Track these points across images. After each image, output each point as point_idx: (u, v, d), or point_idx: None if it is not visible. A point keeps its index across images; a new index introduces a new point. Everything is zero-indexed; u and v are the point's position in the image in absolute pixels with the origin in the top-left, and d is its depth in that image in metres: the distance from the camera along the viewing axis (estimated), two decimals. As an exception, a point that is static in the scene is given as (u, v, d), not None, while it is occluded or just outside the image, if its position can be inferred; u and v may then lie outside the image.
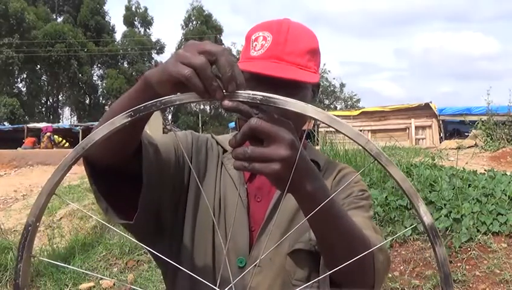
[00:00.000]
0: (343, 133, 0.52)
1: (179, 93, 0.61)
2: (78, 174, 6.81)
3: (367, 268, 0.81)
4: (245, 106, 0.62)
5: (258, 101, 0.57)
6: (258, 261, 0.92)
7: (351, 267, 0.70)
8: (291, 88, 0.96)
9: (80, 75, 36.77)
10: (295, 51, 0.97)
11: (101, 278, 4.09)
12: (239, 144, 0.64)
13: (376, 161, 0.52)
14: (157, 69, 0.70)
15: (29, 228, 0.52)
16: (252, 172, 0.65)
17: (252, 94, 0.58)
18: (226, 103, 0.61)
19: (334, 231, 0.76)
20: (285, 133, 0.65)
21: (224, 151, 1.08)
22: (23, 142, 16.49)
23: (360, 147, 0.54)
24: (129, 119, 0.56)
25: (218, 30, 39.67)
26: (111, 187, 0.91)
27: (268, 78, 0.93)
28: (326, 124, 0.54)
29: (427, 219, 0.51)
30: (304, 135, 0.67)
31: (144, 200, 0.89)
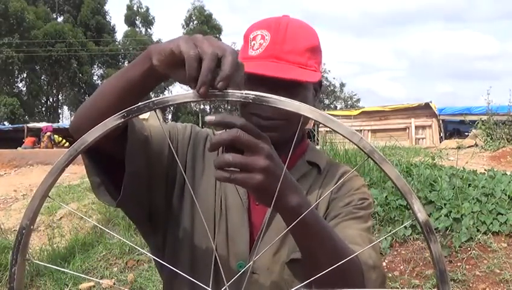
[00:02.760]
0: (337, 132, 0.53)
1: (172, 94, 0.61)
2: (78, 174, 6.81)
3: (355, 286, 0.79)
4: (228, 118, 0.63)
5: (251, 100, 0.57)
6: (250, 263, 0.90)
7: (337, 285, 0.70)
8: (293, 88, 0.94)
9: (80, 74, 36.77)
10: (294, 50, 0.95)
11: (101, 278, 4.08)
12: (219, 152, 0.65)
13: (370, 159, 0.52)
14: (164, 42, 0.70)
15: (23, 231, 0.51)
16: (234, 183, 0.65)
17: (245, 93, 0.58)
18: (209, 118, 0.62)
19: (317, 248, 0.74)
20: (264, 144, 0.65)
21: None
22: (23, 142, 16.48)
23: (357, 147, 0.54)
24: (122, 120, 0.56)
25: (218, 30, 39.71)
26: (106, 165, 0.90)
27: (268, 79, 0.91)
28: (320, 122, 0.54)
29: (422, 215, 0.50)
30: (292, 146, 0.69)
31: (128, 187, 0.88)
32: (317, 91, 1.05)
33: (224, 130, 0.66)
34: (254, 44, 0.96)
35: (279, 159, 0.68)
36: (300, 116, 0.55)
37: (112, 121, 0.56)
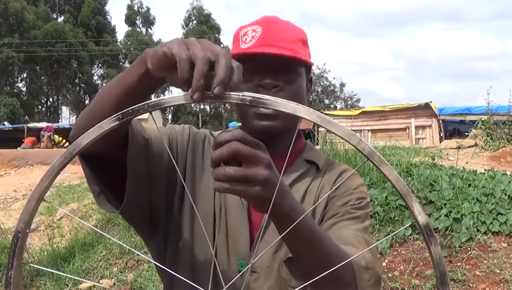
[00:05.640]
0: (335, 133, 0.52)
1: (168, 96, 0.61)
2: (78, 174, 6.80)
3: (348, 288, 0.79)
4: (225, 135, 0.65)
5: (248, 102, 0.57)
6: (249, 265, 0.91)
7: (328, 286, 0.71)
8: (289, 74, 0.97)
9: (80, 75, 36.78)
10: (287, 39, 0.98)
11: (101, 278, 4.08)
12: (217, 165, 0.65)
13: (369, 161, 0.52)
14: (158, 46, 0.71)
15: (19, 235, 0.51)
16: (233, 194, 0.66)
17: (242, 95, 0.58)
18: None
19: (307, 251, 0.75)
20: (262, 154, 0.66)
21: None
22: (23, 142, 16.48)
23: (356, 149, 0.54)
24: (117, 122, 0.55)
25: (217, 30, 39.74)
26: (104, 173, 0.90)
27: (264, 65, 0.93)
28: (318, 124, 0.53)
29: (421, 218, 0.50)
30: (290, 149, 0.72)
31: (130, 192, 0.88)
32: (308, 88, 1.07)
33: (223, 131, 0.66)
34: (246, 38, 0.99)
35: (275, 168, 0.69)
36: (298, 117, 0.55)
37: (107, 124, 0.55)
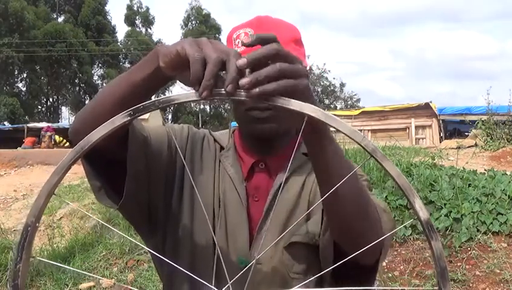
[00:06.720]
0: (340, 131, 0.53)
1: (177, 93, 0.62)
2: (78, 174, 6.81)
3: (375, 228, 0.81)
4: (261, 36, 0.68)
5: (255, 99, 0.58)
6: (254, 260, 0.92)
7: (361, 227, 0.76)
8: None
9: (80, 75, 36.77)
10: (279, 40, 0.98)
11: (101, 278, 4.09)
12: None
13: (372, 157, 0.53)
14: (170, 44, 0.71)
15: (29, 228, 0.51)
16: (285, 90, 0.62)
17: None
18: (241, 62, 0.62)
19: (343, 182, 0.77)
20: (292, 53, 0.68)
21: (222, 148, 1.07)
22: (23, 142, 16.49)
23: (360, 146, 0.55)
24: (129, 118, 0.56)
25: (217, 30, 39.74)
26: (105, 168, 0.91)
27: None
28: (322, 121, 0.54)
29: (423, 213, 0.51)
30: (295, 147, 0.79)
31: (130, 189, 0.89)
32: None
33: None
34: (238, 42, 0.99)
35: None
36: (304, 114, 0.56)
37: (119, 119, 0.56)
